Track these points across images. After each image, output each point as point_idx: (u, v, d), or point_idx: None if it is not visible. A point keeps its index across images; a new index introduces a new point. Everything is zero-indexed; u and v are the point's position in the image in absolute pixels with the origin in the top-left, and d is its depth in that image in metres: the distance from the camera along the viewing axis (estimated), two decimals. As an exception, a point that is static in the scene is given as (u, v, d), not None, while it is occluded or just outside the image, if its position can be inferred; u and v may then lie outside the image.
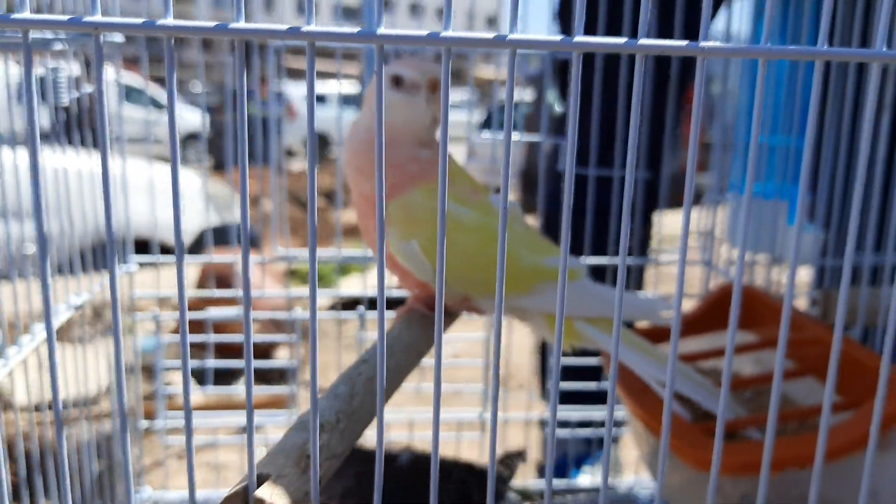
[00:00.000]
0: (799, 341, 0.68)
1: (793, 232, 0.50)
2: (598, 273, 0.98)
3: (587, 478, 1.13)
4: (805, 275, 1.25)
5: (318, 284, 0.36)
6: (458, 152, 0.76)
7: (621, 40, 0.33)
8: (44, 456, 0.70)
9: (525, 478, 1.14)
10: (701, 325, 0.78)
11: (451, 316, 0.66)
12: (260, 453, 0.39)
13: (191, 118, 4.89)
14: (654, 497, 0.40)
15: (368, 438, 0.94)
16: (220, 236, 2.17)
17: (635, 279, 1.09)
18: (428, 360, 0.62)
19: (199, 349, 1.16)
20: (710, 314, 0.79)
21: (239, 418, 1.04)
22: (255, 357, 1.10)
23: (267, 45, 0.92)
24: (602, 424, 1.07)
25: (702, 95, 0.36)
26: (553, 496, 0.38)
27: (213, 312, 0.97)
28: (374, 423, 0.47)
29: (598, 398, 1.04)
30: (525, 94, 1.70)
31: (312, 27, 0.31)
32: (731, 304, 0.37)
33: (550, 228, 1.06)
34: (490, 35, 0.32)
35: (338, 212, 0.94)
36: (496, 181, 0.95)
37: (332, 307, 1.78)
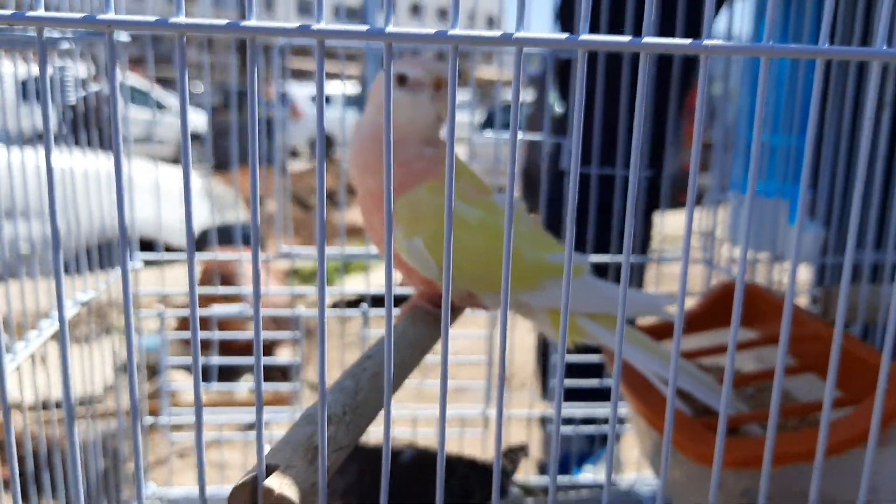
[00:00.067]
0: (800, 338, 0.68)
1: (794, 230, 0.50)
2: (601, 271, 0.98)
3: (589, 476, 1.14)
4: (805, 274, 1.26)
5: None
6: (460, 152, 0.76)
7: (626, 38, 0.33)
8: (50, 453, 0.70)
9: (527, 474, 1.14)
10: (702, 322, 0.79)
11: (454, 312, 0.66)
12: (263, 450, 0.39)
13: (193, 118, 4.90)
14: (658, 491, 0.41)
15: (371, 435, 0.95)
16: (222, 236, 2.18)
17: (636, 278, 1.09)
18: (430, 358, 0.63)
19: (202, 346, 1.17)
20: (712, 311, 0.79)
21: (241, 415, 1.05)
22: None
23: (272, 45, 0.92)
24: (604, 421, 1.07)
25: (705, 94, 0.36)
26: (556, 492, 0.38)
27: (218, 309, 0.98)
28: (378, 418, 0.48)
29: (599, 395, 1.04)
30: (526, 95, 1.71)
31: (322, 25, 0.31)
32: (734, 302, 0.38)
33: (551, 227, 1.06)
34: (497, 33, 0.33)
35: (342, 211, 0.95)
36: (498, 181, 0.96)
37: (335, 305, 1.78)
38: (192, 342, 0.36)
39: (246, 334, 1.11)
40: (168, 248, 0.94)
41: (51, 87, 0.73)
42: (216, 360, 0.97)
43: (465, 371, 1.70)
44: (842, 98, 0.91)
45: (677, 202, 1.26)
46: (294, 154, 6.07)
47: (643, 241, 1.17)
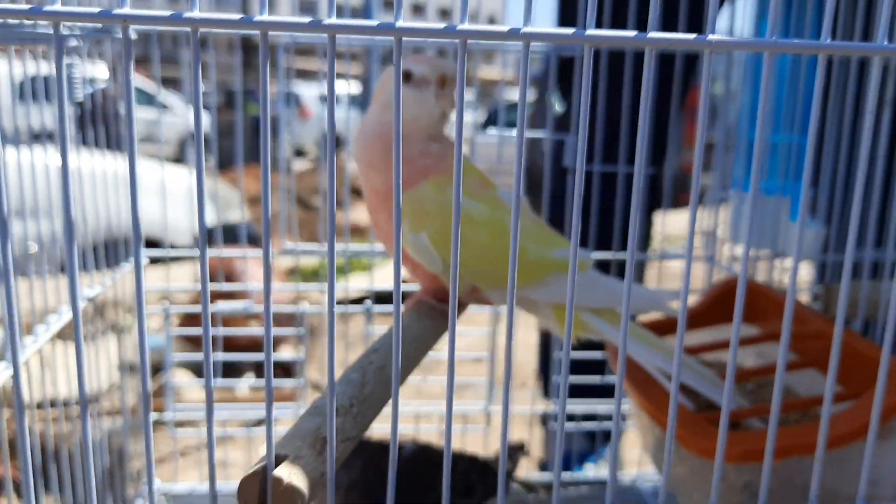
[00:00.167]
0: (801, 334, 0.69)
1: (795, 228, 0.51)
2: (603, 268, 0.99)
3: (590, 473, 1.14)
4: (806, 273, 1.27)
5: (322, 281, 0.37)
6: (463, 150, 0.77)
7: (631, 33, 0.34)
8: (58, 451, 0.71)
9: (527, 472, 1.15)
10: (704, 318, 0.80)
11: (459, 308, 0.67)
12: (263, 450, 0.40)
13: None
14: (661, 486, 0.41)
15: (373, 430, 0.95)
16: (227, 235, 2.18)
17: (636, 276, 1.10)
18: (431, 355, 0.63)
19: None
20: (714, 308, 0.80)
21: (243, 412, 1.05)
22: (261, 351, 1.11)
23: (275, 44, 0.93)
24: (606, 418, 1.08)
25: (708, 90, 0.37)
26: (559, 487, 0.39)
27: (223, 306, 0.99)
28: (383, 413, 0.49)
29: (601, 392, 1.05)
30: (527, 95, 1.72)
31: (333, 20, 0.32)
32: (736, 298, 0.38)
33: (554, 224, 1.07)
34: (504, 28, 0.33)
35: (346, 211, 0.95)
36: (500, 180, 0.97)
37: (339, 303, 1.79)
38: (203, 339, 0.37)
39: (249, 331, 1.12)
40: (172, 248, 0.95)
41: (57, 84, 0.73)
42: (221, 356, 0.97)
43: (468, 368, 1.71)
44: (843, 96, 0.92)
45: (679, 202, 1.27)
46: (300, 153, 6.08)
47: (643, 240, 1.18)
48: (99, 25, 0.72)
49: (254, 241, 2.10)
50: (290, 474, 0.37)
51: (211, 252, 1.00)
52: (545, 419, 1.22)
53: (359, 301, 1.06)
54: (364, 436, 0.50)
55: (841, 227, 0.97)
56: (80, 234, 0.77)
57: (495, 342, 1.00)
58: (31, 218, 0.71)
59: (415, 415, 1.04)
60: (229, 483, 0.99)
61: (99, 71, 0.82)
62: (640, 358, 0.64)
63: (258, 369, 1.64)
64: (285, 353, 1.64)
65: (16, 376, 0.37)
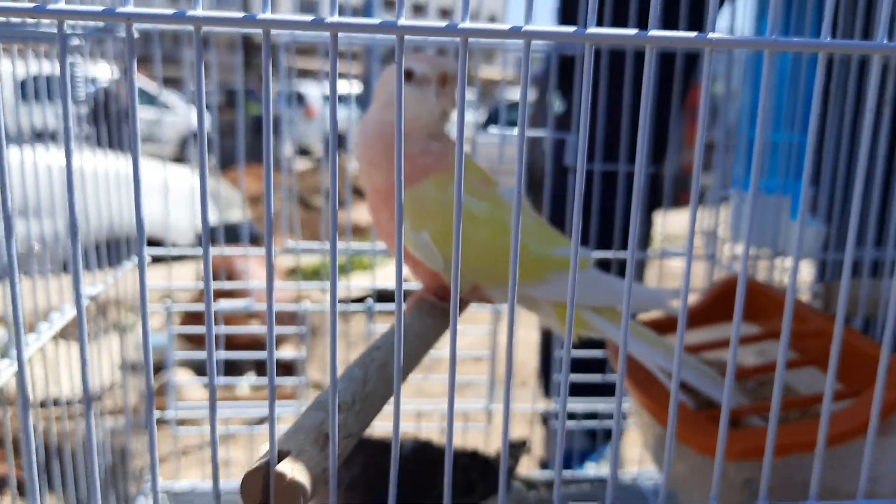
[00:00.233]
0: (801, 332, 0.69)
1: (795, 227, 0.51)
2: (603, 266, 0.99)
3: (591, 471, 1.14)
4: (806, 272, 1.27)
5: (323, 279, 0.37)
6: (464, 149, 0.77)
7: (632, 32, 0.34)
8: (61, 449, 0.71)
9: (528, 471, 1.15)
10: (705, 317, 0.80)
11: (460, 306, 0.67)
12: (265, 448, 0.40)
13: (195, 117, 4.90)
14: (661, 484, 0.42)
15: (374, 428, 0.95)
16: (228, 235, 2.19)
17: (636, 274, 1.10)
18: (432, 354, 0.63)
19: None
20: (714, 307, 0.80)
21: (244, 410, 1.06)
22: (262, 349, 1.12)
23: (275, 43, 0.93)
24: (606, 416, 1.08)
25: (708, 89, 0.37)
26: (560, 484, 0.39)
27: (224, 304, 0.99)
28: (384, 411, 0.49)
29: (602, 390, 1.05)
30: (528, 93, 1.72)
31: (336, 18, 0.32)
32: (736, 297, 0.39)
33: (554, 223, 1.07)
34: (506, 27, 0.33)
35: (347, 210, 0.96)
36: (501, 179, 0.97)
37: (340, 301, 1.79)
38: (206, 337, 0.37)
39: (250, 329, 1.12)
40: (174, 247, 0.95)
41: (61, 83, 0.74)
42: (223, 354, 0.97)
43: (469, 366, 1.71)
44: (843, 95, 0.92)
45: (679, 201, 1.27)
46: (305, 153, 6.07)
47: (643, 239, 1.18)
48: (101, 24, 0.72)
49: (255, 240, 2.11)
50: (292, 470, 0.37)
51: (213, 251, 1.00)
52: (546, 418, 1.22)
53: (360, 300, 1.06)
54: (365, 434, 0.50)
55: (841, 226, 0.98)
56: (82, 233, 0.77)
57: (496, 340, 1.01)
58: (33, 217, 0.71)
59: (416, 413, 1.04)
60: (230, 481, 0.99)
61: (100, 70, 0.82)
62: (641, 356, 0.64)
63: (259, 368, 1.64)
64: (287, 352, 1.65)
65: (20, 374, 0.37)
